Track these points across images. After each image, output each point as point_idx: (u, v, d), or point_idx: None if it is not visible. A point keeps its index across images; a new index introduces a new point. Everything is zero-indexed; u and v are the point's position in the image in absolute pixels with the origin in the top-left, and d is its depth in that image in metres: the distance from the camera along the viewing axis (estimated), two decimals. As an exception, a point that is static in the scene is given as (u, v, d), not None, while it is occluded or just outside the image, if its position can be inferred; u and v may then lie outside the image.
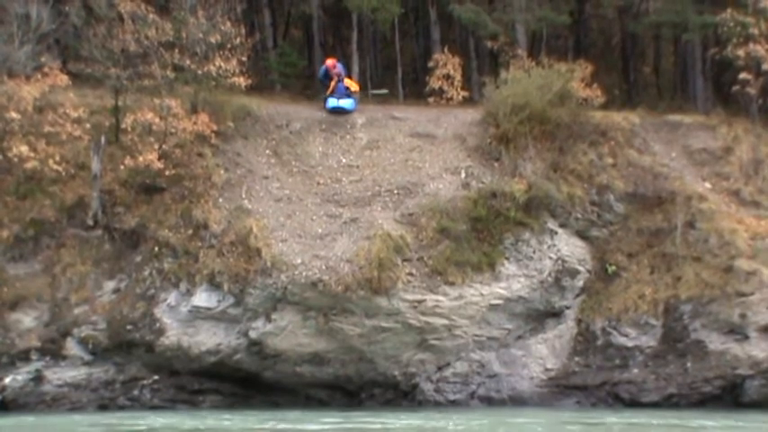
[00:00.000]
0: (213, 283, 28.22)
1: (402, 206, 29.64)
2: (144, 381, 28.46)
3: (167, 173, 29.04)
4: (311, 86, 35.37)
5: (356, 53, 35.54)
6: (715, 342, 29.16)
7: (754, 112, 33.13)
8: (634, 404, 28.98)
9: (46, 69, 29.51)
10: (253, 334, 28.41)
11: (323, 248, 28.57)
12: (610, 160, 31.12)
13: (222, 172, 29.80)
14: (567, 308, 29.97)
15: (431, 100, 33.86)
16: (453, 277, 28.87)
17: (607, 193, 30.71)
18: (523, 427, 24.75)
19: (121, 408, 28.05)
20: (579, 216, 30.43)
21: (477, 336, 29.32)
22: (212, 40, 30.09)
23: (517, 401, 29.15)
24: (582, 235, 30.45)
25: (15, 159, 28.26)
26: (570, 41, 38.88)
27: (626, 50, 39.98)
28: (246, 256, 28.29)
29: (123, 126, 29.56)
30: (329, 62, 32.95)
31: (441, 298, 28.79)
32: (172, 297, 28.31)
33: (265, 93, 33.54)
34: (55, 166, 28.37)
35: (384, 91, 34.59)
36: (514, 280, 29.51)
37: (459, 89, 33.96)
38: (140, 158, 28.61)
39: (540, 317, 29.89)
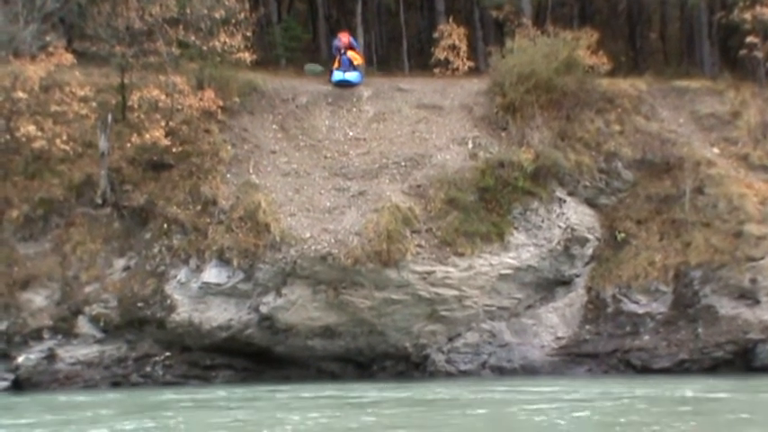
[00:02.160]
0: (223, 259, 28.24)
1: (410, 178, 29.58)
2: (156, 357, 28.54)
3: (174, 150, 29.03)
4: (316, 60, 35.25)
5: (361, 26, 35.46)
6: (726, 307, 29.08)
7: (762, 75, 32.94)
8: (645, 371, 28.93)
9: (51, 48, 29.50)
10: (263, 309, 28.44)
11: (331, 222, 28.55)
12: (617, 127, 30.99)
13: (229, 148, 29.78)
14: (577, 276, 29.92)
15: (437, 71, 33.73)
16: (462, 248, 28.83)
17: (615, 160, 30.61)
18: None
19: (134, 385, 28.14)
20: (587, 184, 30.34)
21: (487, 306, 29.30)
22: (217, 15, 30.04)
23: (528, 370, 29.15)
24: (590, 203, 30.36)
25: (23, 139, 28.31)
26: (575, 9, 38.67)
27: (632, 17, 39.80)
28: (255, 232, 28.29)
29: (129, 104, 29.53)
30: (342, 37, 32.85)
31: (450, 269, 28.76)
32: (182, 273, 28.35)
33: (270, 67, 33.51)
34: (62, 146, 28.40)
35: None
36: (524, 249, 29.46)
37: (464, 59, 33.81)
38: (147, 136, 28.59)
39: (550, 286, 29.85)
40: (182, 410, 23.00)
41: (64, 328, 27.99)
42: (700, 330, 29.06)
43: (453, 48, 33.92)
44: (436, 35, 34.54)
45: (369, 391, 25.55)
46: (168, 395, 25.72)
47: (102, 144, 28.65)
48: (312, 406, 23.00)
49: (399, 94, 31.76)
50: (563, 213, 29.86)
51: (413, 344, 29.21)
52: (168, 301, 28.22)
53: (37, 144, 28.18)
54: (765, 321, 28.85)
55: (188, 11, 29.88)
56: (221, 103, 29.77)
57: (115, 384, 28.09)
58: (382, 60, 36.68)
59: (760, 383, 26.24)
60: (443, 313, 29.05)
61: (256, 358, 29.12)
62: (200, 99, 29.38)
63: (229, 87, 30.36)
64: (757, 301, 28.94)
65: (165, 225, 28.63)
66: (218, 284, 28.31)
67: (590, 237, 29.99)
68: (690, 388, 24.96)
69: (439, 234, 28.85)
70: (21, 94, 28.36)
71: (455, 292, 28.90)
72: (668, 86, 32.50)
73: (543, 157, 29.94)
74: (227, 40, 29.87)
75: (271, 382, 28.04)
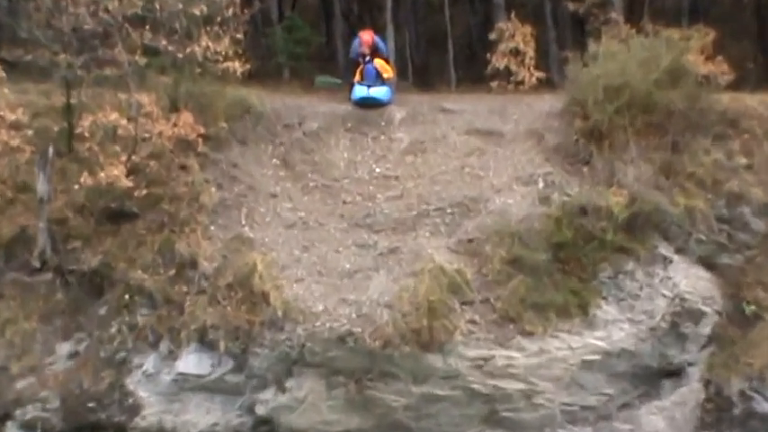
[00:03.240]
0: (205, 342, 28.31)
1: (459, 230, 29.52)
2: (114, 477, 28.64)
3: (139, 193, 29.04)
4: (331, 71, 35.55)
5: (391, 25, 35.68)
6: None
7: None
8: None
9: (-31, 58, 29.72)
10: (260, 409, 28.49)
11: (353, 290, 28.51)
12: (743, 160, 30.76)
13: (214, 190, 29.90)
14: (690, 364, 29.70)
15: (494, 85, 34.02)
16: (531, 325, 28.64)
17: (740, 204, 30.38)
18: None
19: None
20: (702, 237, 30.10)
21: (566, 405, 29.11)
22: (196, 11, 30.03)
23: (625, 494, 29.01)
24: (707, 263, 30.15)
25: (-68, 181, 28.44)
26: (685, 0, 38.63)
27: (761, 9, 39.59)
28: (249, 304, 28.32)
29: (78, 131, 29.56)
30: (365, 36, 33.05)
31: (515, 354, 28.57)
32: (149, 362, 28.44)
33: (270, 82, 33.88)
34: (-14, 189, 28.54)
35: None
36: (615, 327, 29.24)
37: (532, 69, 34.06)
38: (102, 174, 28.51)
39: (652, 377, 29.63)
40: None
41: (-13, 439, 28.07)
42: None
43: (517, 53, 34.20)
44: (493, 36, 34.74)
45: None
46: None
47: (41, 187, 28.76)
48: None
49: (443, 116, 31.87)
50: (669, 278, 29.61)
51: (464, 457, 29.12)
52: (130, 400, 28.27)
53: (-50, 188, 28.31)
54: None
55: (157, 6, 29.96)
56: (203, 130, 29.79)
57: None
58: (419, 71, 36.84)
59: None
60: (506, 414, 28.87)
61: (250, 475, 29.24)
62: (175, 125, 29.39)
63: (214, 108, 30.47)
64: None
65: (127, 296, 28.67)
66: (199, 376, 28.39)
67: (707, 310, 29.71)
68: None
69: (498, 306, 28.69)
70: (-75, 121, 28.56)
71: (521, 386, 28.69)
72: (815, 104, 32.39)
73: (640, 200, 29.71)
74: (211, 44, 29.90)
75: None
